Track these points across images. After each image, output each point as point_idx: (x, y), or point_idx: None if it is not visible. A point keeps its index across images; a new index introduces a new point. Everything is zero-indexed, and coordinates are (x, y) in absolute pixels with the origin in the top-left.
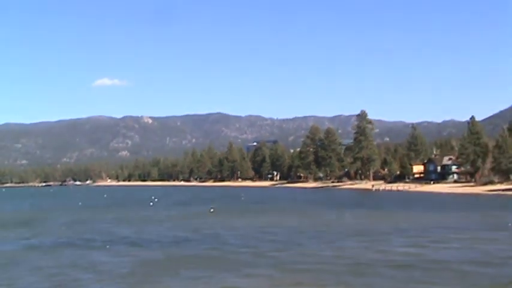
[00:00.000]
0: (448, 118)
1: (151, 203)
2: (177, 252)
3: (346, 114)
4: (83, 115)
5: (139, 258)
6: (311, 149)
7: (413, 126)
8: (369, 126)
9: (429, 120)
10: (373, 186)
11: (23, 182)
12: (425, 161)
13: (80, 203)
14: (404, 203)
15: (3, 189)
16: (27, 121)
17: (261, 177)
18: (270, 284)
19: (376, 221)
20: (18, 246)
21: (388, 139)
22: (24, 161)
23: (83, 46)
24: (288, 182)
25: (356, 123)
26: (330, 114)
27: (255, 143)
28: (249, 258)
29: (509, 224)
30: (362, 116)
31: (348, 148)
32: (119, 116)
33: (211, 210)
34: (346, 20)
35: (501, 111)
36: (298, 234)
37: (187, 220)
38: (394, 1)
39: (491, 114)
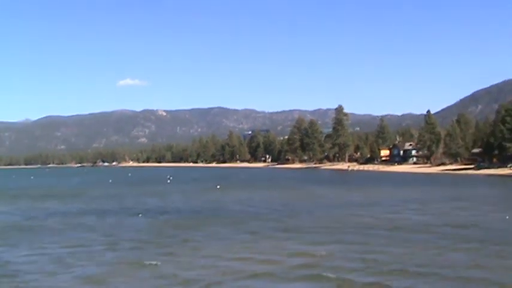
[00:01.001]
0: (406, 111)
1: (168, 180)
2: (199, 216)
3: (324, 108)
4: (110, 109)
5: (170, 220)
6: (297, 137)
7: (381, 118)
8: (345, 118)
9: (391, 113)
10: (348, 167)
11: (62, 164)
12: (391, 147)
13: (110, 180)
14: (377, 180)
15: (47, 169)
16: (65, 114)
17: (255, 160)
18: (273, 244)
19: (358, 194)
20: (72, 211)
21: (358, 128)
22: (62, 147)
23: (110, 52)
24: (278, 164)
25: (334, 115)
26: (311, 108)
27: (250, 132)
28: (256, 221)
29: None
30: (339, 109)
31: (328, 136)
32: (138, 109)
33: (218, 187)
34: (324, 24)
35: (448, 106)
36: (295, 205)
37: (200, 194)
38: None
39: (440, 108)
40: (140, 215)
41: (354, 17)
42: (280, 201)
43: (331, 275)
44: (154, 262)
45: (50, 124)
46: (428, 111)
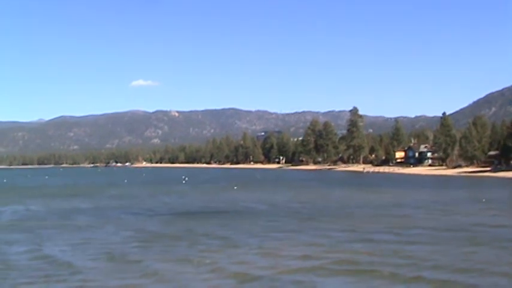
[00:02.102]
0: (420, 113)
1: (183, 181)
2: (227, 215)
3: (337, 109)
4: (123, 109)
5: (200, 219)
6: (312, 138)
7: (396, 120)
8: (360, 119)
9: (404, 115)
10: (364, 168)
11: (75, 164)
12: (406, 148)
13: (126, 180)
14: (395, 182)
15: (61, 169)
16: (78, 114)
17: (269, 161)
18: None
19: (382, 196)
20: (101, 210)
21: (371, 130)
22: (75, 147)
23: (124, 53)
24: (292, 165)
25: (346, 117)
26: (324, 109)
27: (262, 133)
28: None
29: (483, 200)
30: (354, 111)
31: (342, 138)
32: (151, 110)
33: (235, 187)
34: (337, 26)
35: (461, 108)
36: (325, 205)
37: (219, 193)
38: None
39: (453, 110)
40: (165, 214)
41: (367, 18)
42: (309, 202)
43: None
44: (208, 260)
45: (63, 124)
46: (444, 113)
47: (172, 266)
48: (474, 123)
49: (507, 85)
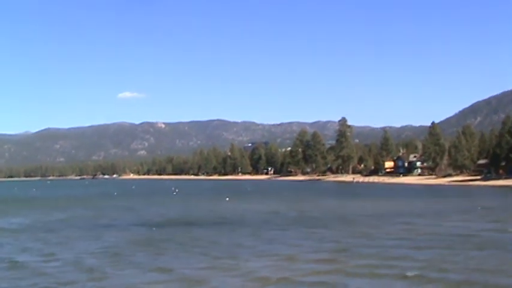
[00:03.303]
0: (406, 123)
1: (174, 193)
2: (226, 225)
3: (324, 120)
4: (109, 121)
5: (203, 229)
6: (300, 149)
7: (384, 130)
8: (348, 130)
9: (391, 125)
10: (353, 178)
11: (62, 176)
12: (395, 158)
13: (115, 193)
14: (388, 192)
15: (48, 182)
16: (64, 126)
17: (257, 172)
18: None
19: (379, 205)
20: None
21: (357, 140)
22: (62, 159)
23: (110, 65)
24: (281, 176)
25: (333, 127)
26: (310, 120)
27: (249, 144)
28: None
29: (479, 208)
30: (342, 121)
31: (331, 148)
32: (137, 122)
33: (227, 198)
34: (322, 37)
35: (447, 118)
36: (325, 215)
37: (214, 205)
38: (368, 15)
39: (439, 120)
40: (154, 227)
41: (352, 31)
42: (306, 212)
43: None
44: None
45: (50, 136)
46: (433, 123)
47: (202, 272)
48: (463, 132)
49: (493, 94)
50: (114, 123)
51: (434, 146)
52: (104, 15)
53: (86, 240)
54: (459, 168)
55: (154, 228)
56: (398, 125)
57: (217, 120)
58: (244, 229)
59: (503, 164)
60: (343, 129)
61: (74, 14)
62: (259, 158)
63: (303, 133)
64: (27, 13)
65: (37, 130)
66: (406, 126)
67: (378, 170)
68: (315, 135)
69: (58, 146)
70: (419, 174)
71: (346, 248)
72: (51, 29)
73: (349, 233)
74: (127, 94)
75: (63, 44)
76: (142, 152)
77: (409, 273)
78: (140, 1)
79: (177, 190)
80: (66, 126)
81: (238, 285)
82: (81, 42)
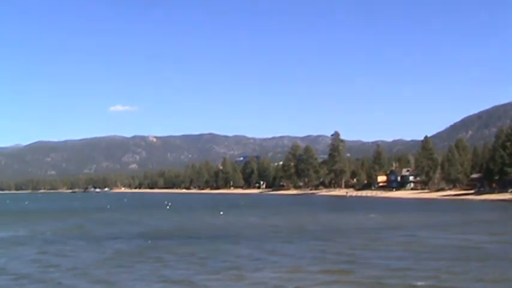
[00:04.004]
0: (397, 138)
1: (167, 207)
2: (227, 239)
3: (315, 134)
4: (101, 134)
5: (201, 242)
6: (292, 163)
7: (377, 144)
8: (341, 144)
9: (382, 139)
10: (347, 193)
11: (53, 189)
12: (388, 172)
13: (109, 206)
14: (382, 206)
15: (39, 194)
16: (56, 139)
17: (249, 186)
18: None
19: (373, 219)
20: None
21: (349, 155)
22: (53, 172)
23: (102, 79)
24: (273, 190)
25: (324, 142)
26: (302, 134)
27: (241, 158)
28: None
29: (475, 221)
30: (336, 136)
31: (323, 162)
32: (129, 135)
33: (221, 213)
34: (314, 51)
35: (439, 132)
36: (328, 229)
37: (207, 219)
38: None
39: (430, 134)
40: (150, 240)
41: (344, 46)
42: (304, 225)
43: None
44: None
45: (41, 149)
46: (425, 137)
47: (214, 283)
48: (456, 146)
49: (483, 108)
50: (105, 137)
51: (427, 160)
52: (97, 27)
53: (87, 251)
54: (452, 182)
55: (149, 241)
56: (389, 139)
57: (209, 134)
58: (245, 242)
59: (496, 178)
60: (336, 144)
61: (67, 26)
62: (252, 172)
63: (295, 147)
64: (19, 25)
65: (28, 143)
66: (397, 140)
67: (370, 184)
68: (307, 150)
69: (49, 159)
70: (412, 189)
71: (352, 259)
72: (43, 41)
73: (351, 245)
74: (119, 107)
75: (55, 56)
76: (134, 166)
77: (419, 283)
78: (133, 14)
79: (170, 204)
80: (58, 139)
81: None
82: (73, 54)
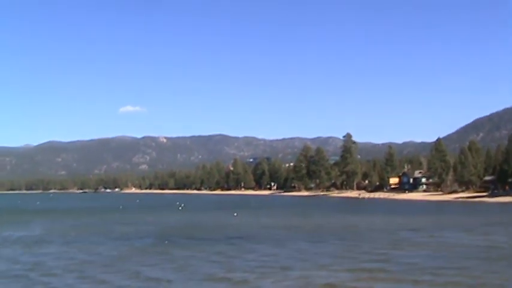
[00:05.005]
0: (407, 139)
1: (179, 208)
2: (250, 240)
3: (325, 136)
4: (111, 135)
5: (223, 243)
6: (304, 164)
7: (389, 146)
8: (353, 145)
9: (392, 141)
10: (359, 194)
11: (63, 189)
12: (400, 174)
13: (121, 207)
14: (396, 207)
15: (51, 195)
16: (66, 139)
17: (260, 187)
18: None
19: (393, 220)
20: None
21: (359, 156)
22: (63, 172)
23: (112, 79)
24: (284, 191)
25: (334, 143)
26: (312, 135)
27: (251, 160)
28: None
29: (497, 223)
30: (348, 137)
31: (335, 163)
32: (139, 136)
33: (235, 214)
34: (325, 51)
35: (449, 134)
36: (349, 231)
37: (222, 220)
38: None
39: (440, 136)
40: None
41: (354, 49)
42: (321, 226)
43: None
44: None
45: (51, 149)
46: (438, 139)
47: (252, 279)
48: (469, 148)
49: (494, 110)
50: (115, 137)
51: (439, 162)
52: (106, 28)
53: (111, 249)
54: (465, 185)
55: (169, 241)
56: (400, 141)
57: (219, 135)
58: (267, 242)
59: (510, 180)
60: (348, 145)
61: (76, 27)
62: (263, 173)
63: (306, 148)
64: (28, 26)
65: (38, 143)
66: (407, 142)
67: (382, 186)
68: (318, 151)
69: (59, 159)
70: (424, 190)
71: (382, 258)
72: (53, 42)
73: (377, 245)
74: (129, 108)
75: (65, 57)
76: (144, 166)
77: (454, 280)
78: (142, 15)
79: (182, 205)
80: (68, 140)
81: None
82: (83, 55)
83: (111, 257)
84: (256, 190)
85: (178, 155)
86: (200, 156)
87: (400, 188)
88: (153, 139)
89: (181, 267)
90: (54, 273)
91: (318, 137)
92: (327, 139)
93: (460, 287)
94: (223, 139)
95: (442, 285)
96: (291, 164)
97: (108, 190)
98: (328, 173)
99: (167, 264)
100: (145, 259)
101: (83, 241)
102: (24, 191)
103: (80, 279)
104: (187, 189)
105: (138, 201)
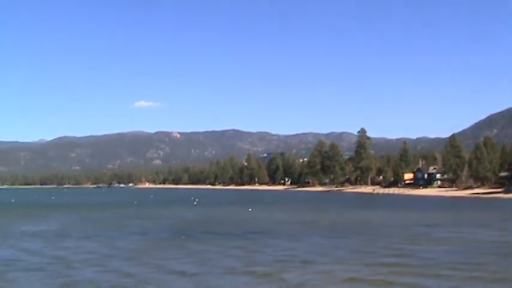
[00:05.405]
0: (421, 135)
1: (194, 203)
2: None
3: (338, 131)
4: (124, 130)
5: (242, 238)
6: (318, 160)
7: (404, 142)
8: (368, 141)
9: (406, 136)
10: (374, 190)
11: (77, 184)
12: (415, 170)
13: (136, 201)
14: (412, 203)
15: (65, 189)
16: (80, 135)
17: (274, 183)
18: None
19: (412, 216)
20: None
21: (373, 152)
22: (77, 167)
23: (126, 74)
24: (298, 187)
25: (347, 139)
26: (325, 131)
27: (265, 155)
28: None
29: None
30: (362, 133)
31: (350, 159)
32: (153, 131)
33: (250, 209)
34: (338, 48)
35: (463, 130)
36: (370, 227)
37: (238, 215)
38: (382, 29)
39: (454, 132)
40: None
41: (368, 45)
42: (338, 221)
43: None
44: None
45: (65, 145)
46: (453, 135)
47: (276, 271)
48: (484, 144)
49: (508, 106)
50: (129, 132)
51: (454, 158)
52: (120, 24)
53: (134, 243)
54: (480, 181)
55: (186, 236)
56: (413, 136)
57: (232, 130)
58: (284, 237)
59: None
60: (362, 141)
61: (91, 24)
62: (277, 168)
63: (321, 144)
64: (45, 25)
65: (52, 138)
66: (421, 138)
67: (397, 182)
68: (333, 146)
69: (73, 155)
70: (439, 186)
71: (401, 253)
72: (67, 38)
73: (395, 240)
74: (142, 103)
75: (79, 53)
76: (158, 161)
77: (475, 275)
78: (157, 12)
79: (197, 200)
80: (82, 135)
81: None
82: (97, 51)
83: (131, 251)
84: (270, 185)
85: (192, 150)
86: (214, 152)
87: (415, 183)
88: (167, 134)
89: (201, 261)
90: (77, 266)
91: (332, 132)
92: (341, 134)
93: (480, 281)
94: (237, 134)
95: (462, 279)
96: (305, 159)
97: (122, 185)
98: (342, 169)
99: (187, 258)
100: (164, 253)
101: (101, 235)
102: (38, 186)
103: (104, 273)
104: (201, 184)
105: (152, 196)
